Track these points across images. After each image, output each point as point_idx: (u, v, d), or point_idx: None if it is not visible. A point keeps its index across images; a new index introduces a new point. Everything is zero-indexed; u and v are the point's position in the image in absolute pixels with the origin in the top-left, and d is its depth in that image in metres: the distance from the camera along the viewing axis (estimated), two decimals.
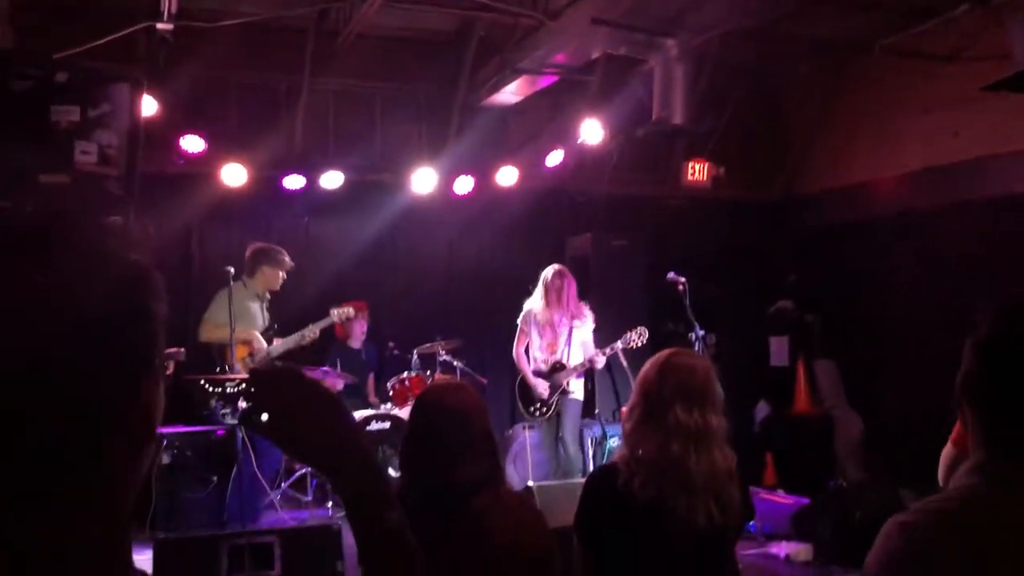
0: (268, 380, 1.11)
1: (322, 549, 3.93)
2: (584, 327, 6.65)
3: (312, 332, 6.51)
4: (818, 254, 9.25)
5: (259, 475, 5.80)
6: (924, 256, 7.97)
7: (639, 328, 6.54)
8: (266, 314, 6.44)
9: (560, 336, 6.65)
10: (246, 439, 5.38)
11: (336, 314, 6.72)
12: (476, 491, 2.47)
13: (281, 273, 6.44)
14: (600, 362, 6.61)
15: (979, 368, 1.41)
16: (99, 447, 0.80)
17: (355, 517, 1.10)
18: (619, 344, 6.54)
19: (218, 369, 5.87)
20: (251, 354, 6.25)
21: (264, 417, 1.09)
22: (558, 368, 6.65)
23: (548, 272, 6.73)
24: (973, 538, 1.32)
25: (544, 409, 6.71)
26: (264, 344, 6.28)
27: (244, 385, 0.92)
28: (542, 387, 6.69)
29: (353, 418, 1.15)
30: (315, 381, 1.13)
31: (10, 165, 3.59)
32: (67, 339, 0.77)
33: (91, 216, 0.87)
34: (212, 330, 6.26)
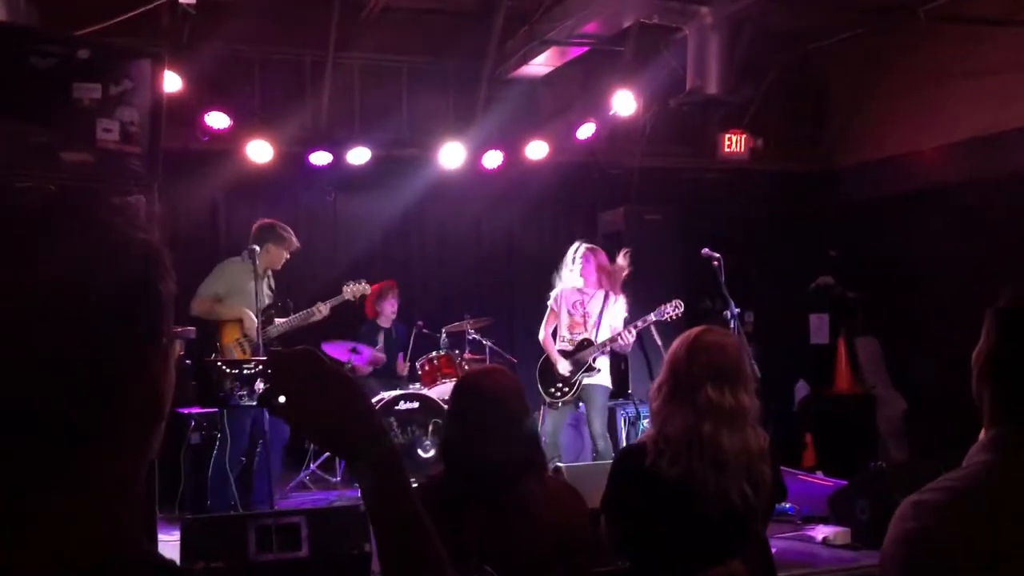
0: (286, 362, 1.14)
1: (349, 530, 4.00)
2: (616, 306, 6.58)
3: (321, 309, 6.34)
4: (860, 228, 9.15)
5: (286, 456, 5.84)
6: (970, 230, 7.85)
7: (675, 300, 6.44)
8: (268, 292, 6.30)
9: (591, 316, 6.60)
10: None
11: (348, 291, 6.57)
12: (518, 475, 2.53)
13: (285, 253, 6.30)
14: (628, 338, 6.41)
15: (997, 341, 1.41)
16: (107, 422, 0.82)
17: (372, 503, 1.12)
18: (652, 316, 6.43)
19: (214, 356, 5.79)
20: (244, 335, 6.06)
21: (281, 399, 1.11)
22: (585, 345, 6.54)
23: (579, 248, 6.70)
24: (988, 515, 1.31)
25: (565, 390, 6.55)
26: (256, 323, 5.93)
27: (262, 367, 0.95)
28: (563, 366, 6.55)
29: (370, 402, 1.17)
30: (333, 364, 1.15)
31: (32, 143, 3.65)
32: (74, 316, 0.80)
33: (100, 195, 0.90)
34: (201, 303, 6.05)
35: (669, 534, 2.81)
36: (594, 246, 6.78)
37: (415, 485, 1.71)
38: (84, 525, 0.81)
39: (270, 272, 6.32)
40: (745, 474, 2.81)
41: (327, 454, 7.09)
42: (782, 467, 3.15)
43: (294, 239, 6.34)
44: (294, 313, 6.33)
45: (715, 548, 2.78)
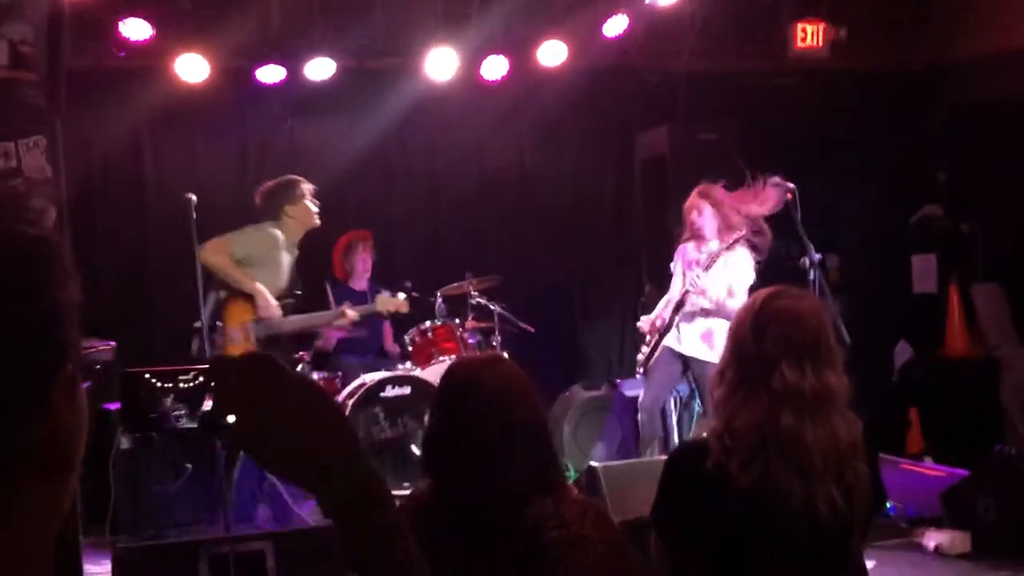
0: (234, 371, 1.13)
1: (324, 558, 4.03)
2: (729, 259, 6.52)
3: (345, 314, 6.47)
4: (976, 143, 9.08)
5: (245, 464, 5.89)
6: None
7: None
8: (293, 273, 6.41)
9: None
10: None
11: (383, 303, 6.72)
12: (526, 499, 2.48)
13: (308, 203, 6.44)
14: (694, 296, 6.51)
15: None
16: None
17: (350, 548, 1.11)
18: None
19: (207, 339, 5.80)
20: (257, 320, 6.09)
21: (230, 419, 1.10)
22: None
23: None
24: None
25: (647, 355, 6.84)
26: (274, 308, 6.08)
27: (203, 378, 0.93)
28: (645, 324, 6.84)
29: (346, 420, 1.16)
30: (295, 372, 1.14)
31: None
32: None
33: None
34: (216, 254, 6.03)
35: (741, 557, 2.82)
36: (703, 187, 6.74)
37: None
38: None
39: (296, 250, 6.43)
40: (835, 476, 2.81)
41: None
42: (880, 455, 3.16)
43: (304, 184, 6.48)
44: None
45: (800, 572, 2.78)
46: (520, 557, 2.44)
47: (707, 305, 6.48)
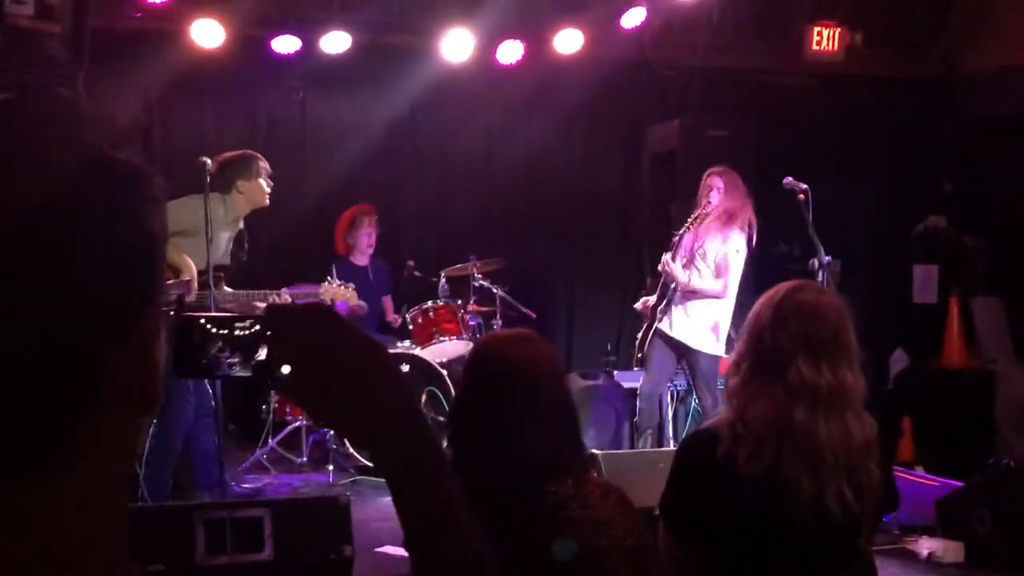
0: (293, 321, 1.11)
1: (326, 528, 4.02)
2: (718, 244, 6.62)
3: (284, 298, 6.25)
4: (985, 155, 9.08)
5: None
6: None
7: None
8: (230, 246, 6.22)
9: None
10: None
11: (327, 291, 6.47)
12: (550, 476, 2.48)
13: (262, 182, 6.26)
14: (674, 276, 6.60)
15: None
16: (89, 408, 0.79)
17: (406, 512, 1.10)
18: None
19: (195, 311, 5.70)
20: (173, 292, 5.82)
21: (285, 370, 1.08)
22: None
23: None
24: None
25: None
26: (195, 278, 5.89)
27: (260, 327, 0.94)
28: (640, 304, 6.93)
29: (404, 377, 1.15)
30: (352, 324, 1.12)
31: None
32: (46, 268, 0.76)
33: (56, 96, 0.86)
34: None
35: (748, 548, 2.81)
36: (721, 168, 6.81)
37: None
38: (47, 537, 0.79)
39: (242, 222, 6.26)
40: (846, 473, 2.80)
41: (289, 427, 7.14)
42: None
43: (262, 162, 6.27)
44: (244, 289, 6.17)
45: (807, 567, 2.78)
46: (541, 535, 2.43)
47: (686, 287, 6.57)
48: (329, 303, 6.44)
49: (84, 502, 0.82)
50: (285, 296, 6.23)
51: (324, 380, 1.08)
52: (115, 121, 0.85)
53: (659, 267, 6.67)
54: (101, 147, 0.82)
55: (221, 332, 1.20)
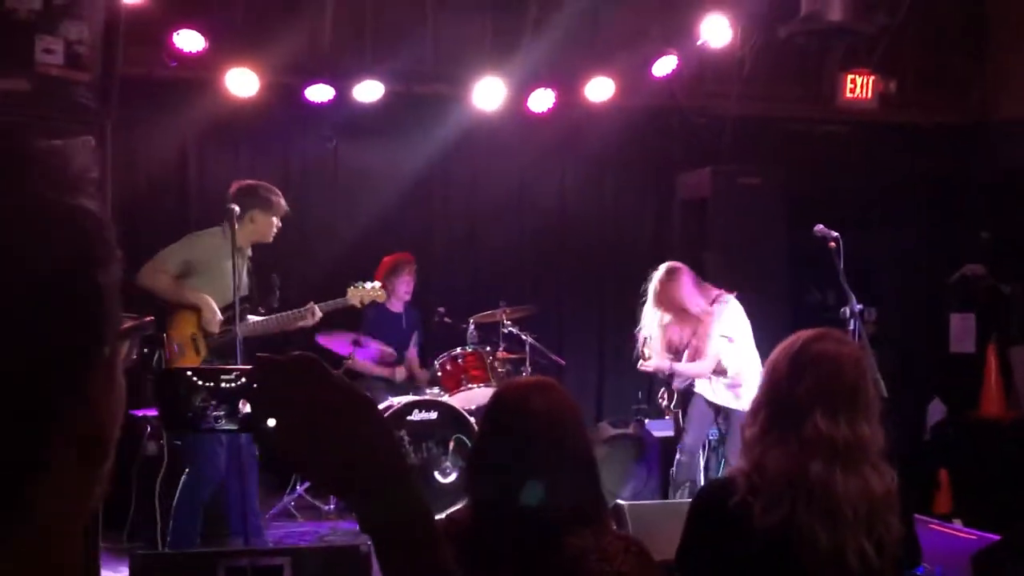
0: (278, 372, 1.10)
1: (347, 575, 4.00)
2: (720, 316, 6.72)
3: (315, 312, 6.20)
4: (1022, 204, 8.98)
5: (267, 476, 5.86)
6: None
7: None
8: (247, 278, 6.15)
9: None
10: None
11: (355, 295, 6.45)
12: (568, 528, 2.45)
13: (275, 220, 6.18)
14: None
15: None
16: (23, 478, 0.78)
17: (390, 567, 1.08)
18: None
19: (147, 351, 5.67)
20: (202, 329, 5.93)
21: (270, 423, 1.09)
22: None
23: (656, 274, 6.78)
24: None
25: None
26: (217, 323, 5.87)
27: (246, 378, 0.93)
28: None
29: (392, 432, 1.14)
30: (341, 377, 1.11)
31: None
32: None
33: (15, 136, 0.84)
34: (153, 275, 5.82)
35: None
36: (672, 266, 6.85)
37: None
38: None
39: (249, 252, 6.19)
40: (866, 527, 2.75)
41: None
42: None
43: (283, 202, 6.22)
44: (277, 312, 6.16)
45: None
46: None
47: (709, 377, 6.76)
48: (358, 305, 6.49)
49: (36, 558, 0.80)
50: (315, 310, 6.22)
51: (309, 435, 1.08)
52: (70, 166, 0.83)
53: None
54: (46, 195, 0.80)
55: (207, 384, 1.20)
